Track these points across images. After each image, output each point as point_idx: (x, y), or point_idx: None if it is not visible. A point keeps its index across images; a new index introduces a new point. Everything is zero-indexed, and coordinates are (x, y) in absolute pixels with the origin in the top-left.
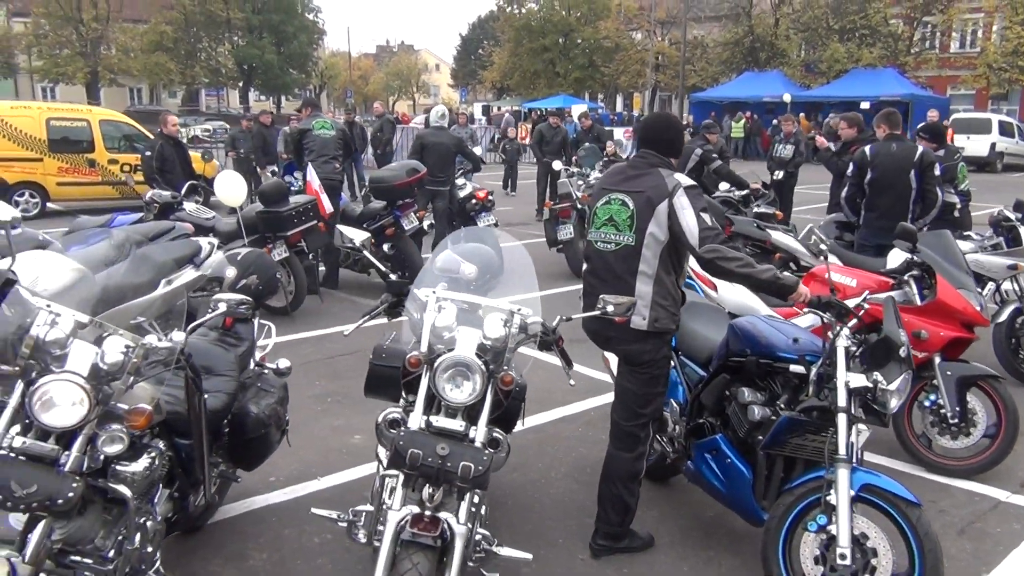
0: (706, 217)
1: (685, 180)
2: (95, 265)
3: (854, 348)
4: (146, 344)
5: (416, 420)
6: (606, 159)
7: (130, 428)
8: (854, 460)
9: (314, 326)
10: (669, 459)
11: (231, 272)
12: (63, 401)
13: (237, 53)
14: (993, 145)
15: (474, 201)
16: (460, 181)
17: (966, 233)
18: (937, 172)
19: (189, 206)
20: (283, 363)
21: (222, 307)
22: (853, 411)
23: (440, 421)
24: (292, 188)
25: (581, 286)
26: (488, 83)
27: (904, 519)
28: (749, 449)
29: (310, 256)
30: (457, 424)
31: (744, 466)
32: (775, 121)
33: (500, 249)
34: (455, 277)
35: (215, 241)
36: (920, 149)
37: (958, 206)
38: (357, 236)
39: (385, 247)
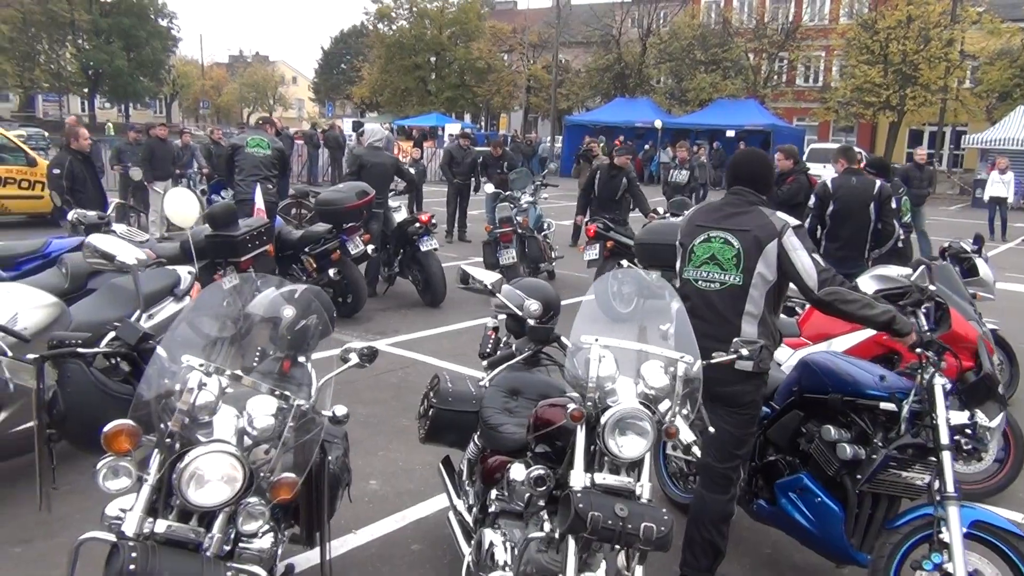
0: (818, 257)
1: (792, 220)
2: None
3: (948, 386)
4: (300, 405)
5: (579, 478)
6: (536, 183)
7: (275, 502)
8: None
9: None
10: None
11: (289, 312)
12: (214, 476)
13: (83, 57)
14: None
15: (417, 224)
16: (394, 203)
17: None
18: (894, 205)
19: (119, 227)
20: (340, 410)
21: (354, 358)
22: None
23: (607, 479)
24: None
25: None
26: (357, 98)
27: (1015, 553)
28: (835, 486)
29: None
30: (626, 480)
31: (835, 504)
32: (646, 146)
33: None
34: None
35: (194, 270)
36: (879, 183)
37: (902, 236)
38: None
39: (330, 272)
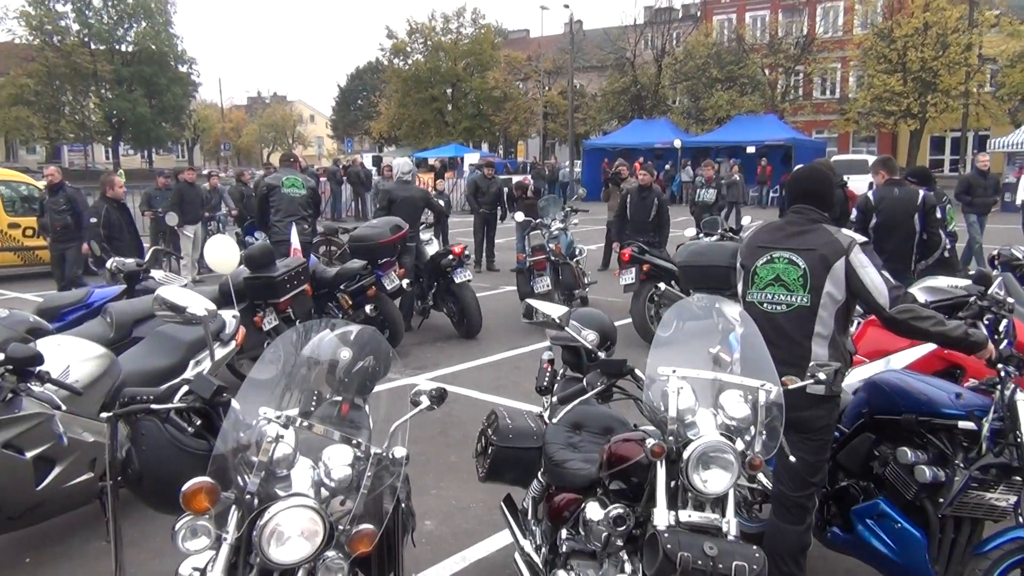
0: (887, 275)
1: (858, 237)
2: None
3: None
4: (379, 453)
5: (663, 517)
6: (566, 209)
7: (353, 555)
8: None
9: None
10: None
11: (346, 354)
12: (294, 531)
13: (106, 106)
14: (871, 184)
15: (450, 257)
16: (425, 236)
17: (971, 273)
18: (939, 215)
19: (157, 274)
20: (399, 451)
21: (424, 401)
22: None
23: (692, 516)
24: None
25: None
26: (375, 133)
27: None
28: (914, 511)
29: (296, 323)
30: (711, 517)
31: (916, 530)
32: (667, 166)
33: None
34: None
35: (237, 314)
36: (922, 193)
37: (948, 246)
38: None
39: (367, 309)
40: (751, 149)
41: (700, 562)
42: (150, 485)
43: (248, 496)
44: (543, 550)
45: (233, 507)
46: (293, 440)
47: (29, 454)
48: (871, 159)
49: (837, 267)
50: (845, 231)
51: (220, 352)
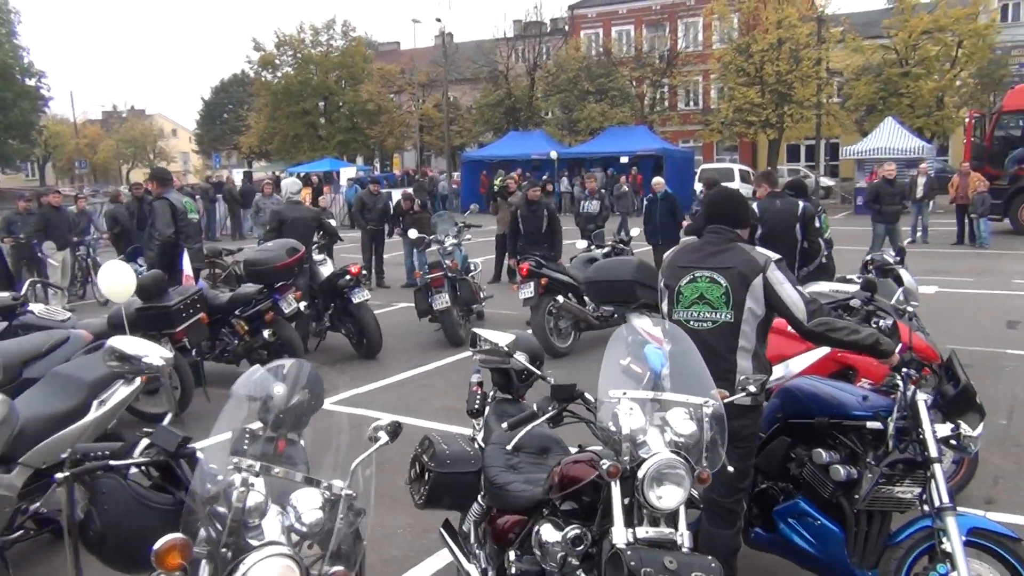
0: (801, 289)
1: (772, 254)
2: None
3: (930, 400)
4: (350, 495)
5: (621, 535)
6: (460, 225)
7: None
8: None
9: (207, 430)
10: None
11: (279, 389)
12: None
13: None
14: (753, 193)
15: (347, 277)
16: (318, 257)
17: (848, 277)
18: (817, 224)
19: (36, 307)
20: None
21: (383, 436)
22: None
23: (648, 532)
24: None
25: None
26: (245, 148)
27: (1013, 556)
28: (831, 508)
29: (192, 352)
30: (667, 532)
31: (834, 525)
32: (544, 177)
33: None
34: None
35: None
36: (801, 204)
37: (825, 253)
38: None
39: (265, 334)
40: (624, 159)
41: None
42: (115, 545)
43: (223, 550)
44: (490, 573)
45: (204, 561)
46: (263, 488)
47: None
48: (735, 167)
49: (756, 284)
50: (760, 249)
51: (125, 391)
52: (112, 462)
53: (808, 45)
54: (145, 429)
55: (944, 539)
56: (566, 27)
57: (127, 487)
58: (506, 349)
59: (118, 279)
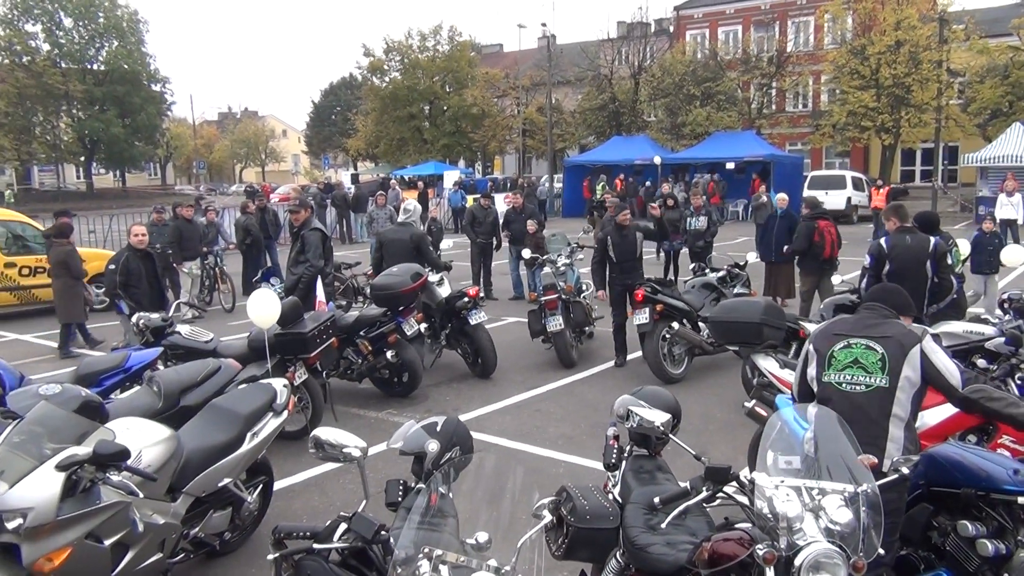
0: (956, 361)
1: (928, 328)
2: (141, 416)
3: None
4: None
5: None
6: (573, 245)
7: None
8: None
9: None
10: None
11: (433, 446)
12: None
13: (79, 127)
14: (849, 199)
15: (466, 299)
16: (434, 277)
17: (984, 317)
18: (949, 261)
19: (183, 328)
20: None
21: (547, 515)
22: None
23: None
24: None
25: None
26: (352, 150)
27: None
28: None
29: (323, 374)
30: None
31: None
32: (647, 183)
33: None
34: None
35: (287, 382)
36: (933, 241)
37: (956, 289)
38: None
39: (388, 355)
40: (730, 165)
41: None
42: None
43: None
44: None
45: None
46: (447, 574)
47: (107, 542)
48: (847, 174)
49: (913, 353)
50: (915, 325)
51: (275, 423)
52: (315, 545)
53: (929, 47)
54: (343, 515)
55: None
56: (671, 28)
57: (329, 570)
58: (662, 429)
59: (265, 307)
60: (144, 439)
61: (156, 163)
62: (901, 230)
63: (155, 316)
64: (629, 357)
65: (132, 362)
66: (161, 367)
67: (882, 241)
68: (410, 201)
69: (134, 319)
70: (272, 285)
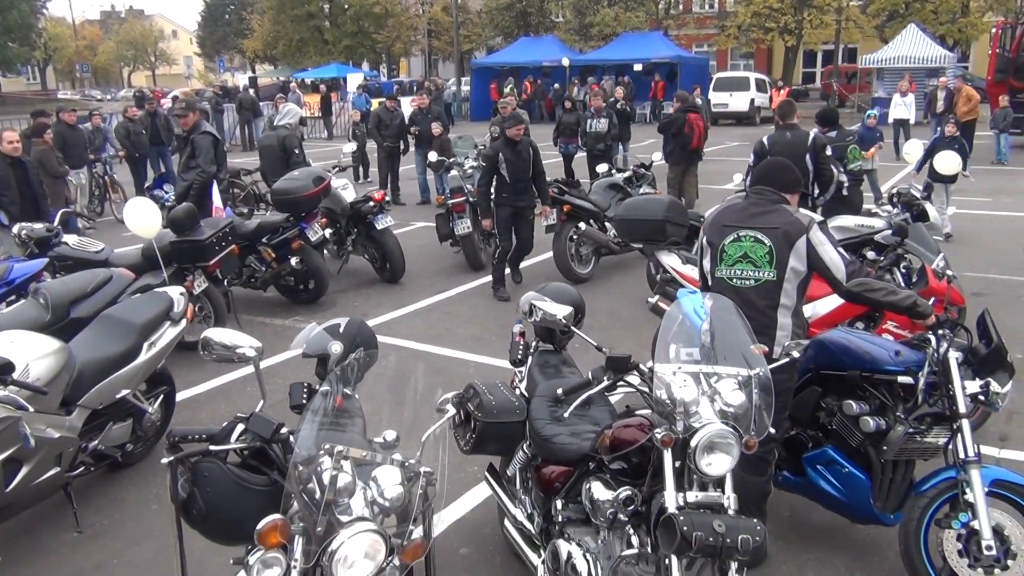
0: (842, 250)
1: (816, 216)
2: (28, 330)
3: (961, 358)
4: (429, 472)
5: (672, 499)
6: (480, 148)
7: (408, 565)
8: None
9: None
10: None
11: (336, 347)
12: (360, 554)
13: None
14: (752, 101)
15: (371, 203)
16: (341, 182)
17: (874, 212)
18: (829, 152)
19: (71, 239)
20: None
21: (451, 409)
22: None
23: (698, 496)
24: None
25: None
26: (250, 52)
27: None
28: (858, 456)
29: (224, 282)
30: (715, 495)
31: (861, 473)
32: (555, 85)
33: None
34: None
35: (183, 291)
36: (812, 133)
37: (846, 184)
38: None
39: (293, 262)
40: (638, 67)
41: (711, 539)
42: (217, 524)
43: (318, 530)
44: (536, 519)
45: (298, 537)
46: (351, 469)
47: None
48: (751, 76)
49: (799, 244)
50: (804, 211)
51: (172, 332)
52: (212, 447)
53: None
54: (239, 415)
55: (967, 490)
56: None
57: (227, 471)
58: (564, 322)
59: (144, 216)
60: (31, 352)
61: (34, 66)
62: (783, 127)
63: (38, 226)
64: (539, 258)
65: (15, 274)
66: (48, 279)
67: (764, 138)
68: (287, 104)
69: (15, 229)
70: (165, 192)
